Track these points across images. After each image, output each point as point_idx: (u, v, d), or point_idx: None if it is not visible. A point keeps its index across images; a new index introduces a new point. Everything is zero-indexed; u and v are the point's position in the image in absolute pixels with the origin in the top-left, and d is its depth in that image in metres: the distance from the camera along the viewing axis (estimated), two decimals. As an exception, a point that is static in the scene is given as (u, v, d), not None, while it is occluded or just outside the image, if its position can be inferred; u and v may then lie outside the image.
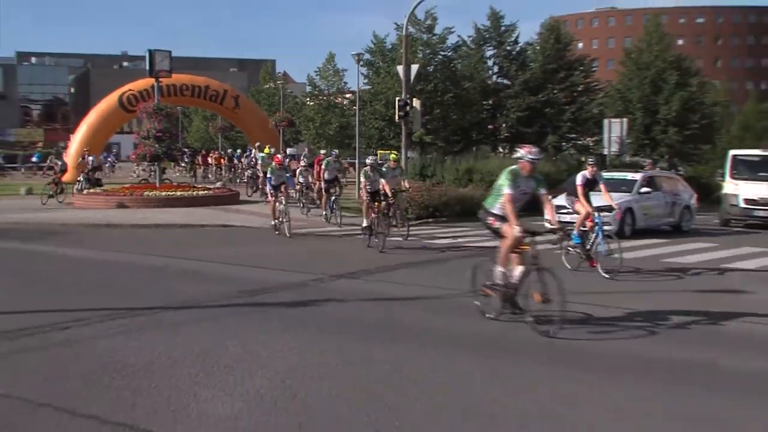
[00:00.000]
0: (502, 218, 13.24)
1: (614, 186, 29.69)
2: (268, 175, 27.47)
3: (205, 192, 39.30)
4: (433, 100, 55.17)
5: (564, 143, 64.45)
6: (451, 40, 62.44)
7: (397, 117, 36.17)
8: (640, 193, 29.17)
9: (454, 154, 51.80)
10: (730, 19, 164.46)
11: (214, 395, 8.96)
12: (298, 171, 33.65)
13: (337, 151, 34.91)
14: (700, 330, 13.43)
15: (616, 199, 27.98)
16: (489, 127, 63.52)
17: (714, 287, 17.42)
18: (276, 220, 26.66)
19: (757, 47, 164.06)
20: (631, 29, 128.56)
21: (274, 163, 28.03)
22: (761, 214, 34.08)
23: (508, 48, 64.82)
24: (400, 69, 37.32)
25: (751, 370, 10.88)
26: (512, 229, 12.67)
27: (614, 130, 46.88)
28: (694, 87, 65.93)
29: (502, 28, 64.67)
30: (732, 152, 38.93)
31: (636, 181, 30.32)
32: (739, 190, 35.14)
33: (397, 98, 36.21)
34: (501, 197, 13.28)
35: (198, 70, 74.69)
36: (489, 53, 65.15)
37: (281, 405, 8.72)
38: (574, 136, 64.86)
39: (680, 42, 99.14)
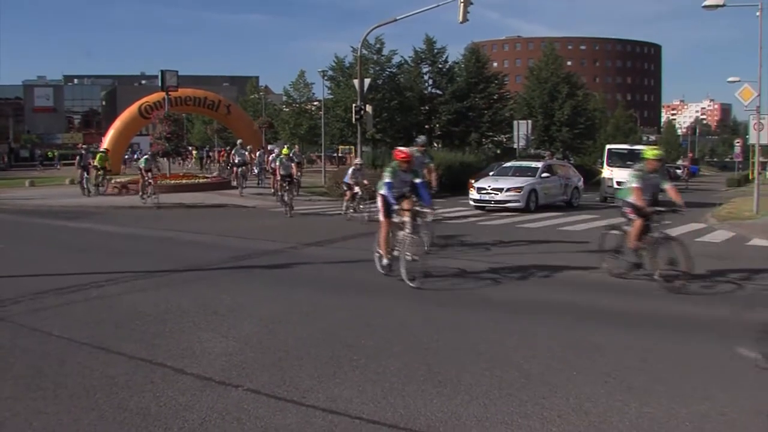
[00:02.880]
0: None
1: (522, 172, 30.02)
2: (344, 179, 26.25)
3: (205, 180, 39.48)
4: (382, 106, 55.33)
5: (484, 139, 64.80)
6: (396, 59, 62.96)
7: (353, 119, 36.10)
8: (541, 178, 29.38)
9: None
10: (604, 47, 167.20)
11: (213, 337, 8.95)
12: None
13: (287, 145, 33.80)
14: (583, 278, 13.64)
15: (524, 182, 28.33)
16: (426, 127, 63.59)
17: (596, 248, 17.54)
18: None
19: (624, 69, 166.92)
20: (532, 52, 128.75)
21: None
22: None
23: (440, 65, 65.05)
24: (356, 82, 37.18)
25: (621, 309, 11.05)
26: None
27: (521, 129, 47.12)
28: (580, 97, 66.94)
29: (435, 50, 64.91)
30: (608, 146, 39.59)
31: (538, 168, 30.54)
32: (613, 174, 35.58)
33: (354, 105, 36.09)
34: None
35: (198, 84, 74.05)
36: (425, 69, 65.37)
37: (265, 344, 8.72)
38: (491, 134, 65.25)
39: (569, 63, 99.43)
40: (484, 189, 28.34)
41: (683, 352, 8.70)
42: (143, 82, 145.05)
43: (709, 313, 10.97)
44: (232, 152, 36.50)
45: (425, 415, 6.47)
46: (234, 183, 35.07)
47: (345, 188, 25.55)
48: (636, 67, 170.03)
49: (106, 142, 53.41)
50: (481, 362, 8.08)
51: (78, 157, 37.36)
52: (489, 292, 12.31)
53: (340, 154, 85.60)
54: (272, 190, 31.75)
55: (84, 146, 42.67)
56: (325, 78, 61.34)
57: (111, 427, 6.18)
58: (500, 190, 27.96)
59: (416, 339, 9.09)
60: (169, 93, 40.57)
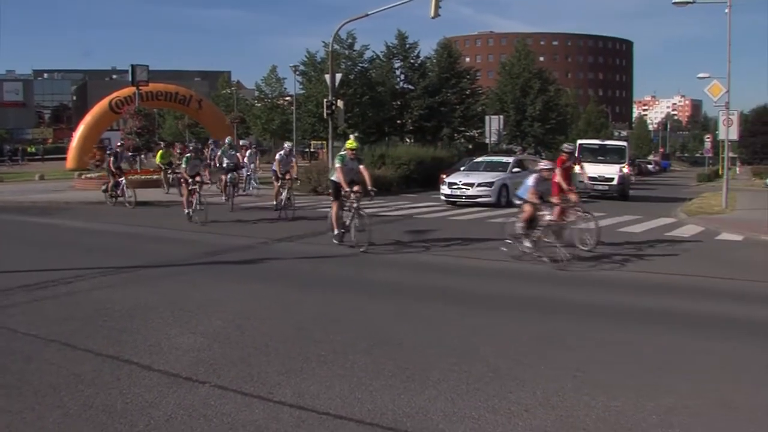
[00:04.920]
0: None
1: (493, 167, 30.10)
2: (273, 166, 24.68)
3: (174, 175, 38.93)
4: (354, 101, 55.32)
5: (456, 134, 64.95)
6: (368, 54, 63.02)
7: (325, 114, 36.04)
8: (512, 173, 29.45)
9: (371, 143, 51.89)
10: (576, 42, 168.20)
11: (181, 333, 8.91)
12: (247, 157, 31.31)
13: (229, 138, 29.64)
14: (553, 273, 13.73)
15: (495, 177, 28.40)
16: (397, 121, 63.67)
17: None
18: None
19: (595, 64, 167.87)
20: (505, 48, 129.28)
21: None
22: (599, 187, 34.89)
23: (412, 61, 65.11)
24: (327, 77, 37.14)
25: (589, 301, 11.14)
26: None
27: (493, 124, 47.21)
28: (552, 92, 67.34)
29: (407, 45, 64.94)
30: (579, 141, 39.71)
31: (509, 163, 30.66)
32: (584, 169, 35.71)
33: (325, 100, 36.04)
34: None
35: (170, 79, 73.41)
36: (397, 65, 65.43)
37: (233, 340, 8.69)
38: (463, 129, 65.40)
39: (541, 58, 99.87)
40: (455, 184, 28.39)
41: (650, 345, 8.79)
42: (114, 76, 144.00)
43: (670, 305, 11.09)
44: (218, 153, 28.21)
45: (392, 410, 6.48)
46: (223, 198, 26.26)
47: (273, 178, 24.05)
48: (608, 63, 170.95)
49: (76, 136, 53.06)
50: (449, 357, 8.11)
51: (112, 158, 27.93)
52: (457, 286, 12.37)
53: (312, 149, 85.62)
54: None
55: (120, 143, 32.31)
56: (297, 73, 61.36)
57: (76, 424, 6.13)
58: (471, 185, 28.01)
59: (385, 334, 9.10)
60: (140, 88, 40.35)
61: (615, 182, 35.78)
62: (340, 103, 35.80)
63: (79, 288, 11.61)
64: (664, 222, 23.70)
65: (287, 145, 24.34)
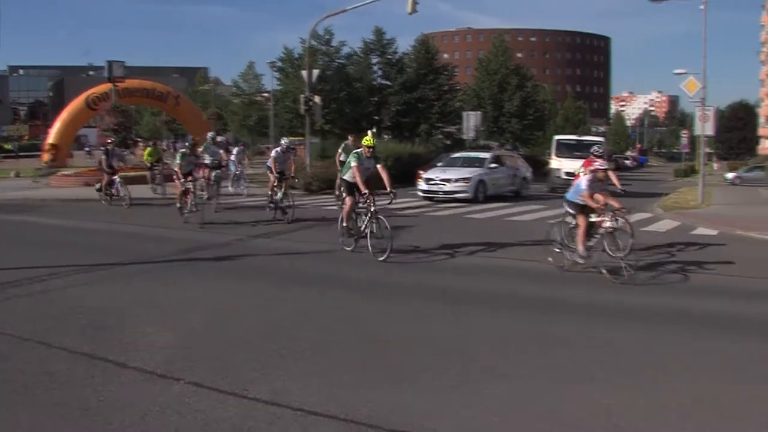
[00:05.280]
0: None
1: (470, 162, 30.17)
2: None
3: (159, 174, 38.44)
4: (331, 97, 55.22)
5: (434, 131, 64.99)
6: (345, 50, 62.96)
7: (302, 111, 35.98)
8: (490, 168, 29.56)
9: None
10: (554, 39, 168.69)
11: (157, 330, 8.88)
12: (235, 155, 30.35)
13: (211, 133, 27.80)
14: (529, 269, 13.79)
15: (472, 173, 28.46)
16: (375, 118, 63.66)
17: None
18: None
19: (573, 60, 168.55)
20: (482, 44, 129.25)
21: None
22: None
23: (389, 57, 65.06)
24: (304, 73, 36.99)
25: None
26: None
27: (471, 120, 47.20)
28: (529, 88, 67.45)
29: (385, 41, 64.91)
30: (556, 137, 40.02)
31: (486, 158, 30.76)
32: (561, 165, 35.97)
33: (302, 96, 35.98)
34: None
35: (147, 75, 73.05)
36: (374, 61, 65.32)
37: (209, 337, 8.69)
38: (441, 125, 65.44)
39: (519, 54, 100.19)
40: (433, 180, 28.44)
41: (643, 343, 8.88)
42: (91, 73, 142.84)
43: (660, 303, 11.16)
44: (200, 149, 24.41)
45: (367, 406, 6.49)
46: (205, 195, 23.30)
47: (269, 174, 21.65)
48: (586, 59, 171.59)
49: (52, 133, 52.70)
50: (432, 354, 8.16)
51: (104, 156, 26.35)
52: (439, 283, 12.38)
53: (291, 146, 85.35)
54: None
55: (110, 141, 28.90)
56: (275, 69, 61.22)
57: (50, 423, 6.11)
58: (448, 180, 28.05)
59: (362, 331, 9.13)
60: (117, 84, 40.15)
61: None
62: (317, 99, 35.74)
63: (54, 286, 11.53)
64: (640, 217, 23.80)
65: (284, 141, 22.61)
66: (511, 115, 64.64)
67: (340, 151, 25.35)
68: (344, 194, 15.95)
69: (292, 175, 22.00)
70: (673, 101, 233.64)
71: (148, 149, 31.93)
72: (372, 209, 14.97)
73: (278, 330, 9.06)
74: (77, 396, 6.64)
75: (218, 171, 24.66)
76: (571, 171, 35.93)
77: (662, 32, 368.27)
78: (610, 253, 13.27)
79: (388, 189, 14.89)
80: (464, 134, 48.81)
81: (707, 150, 43.36)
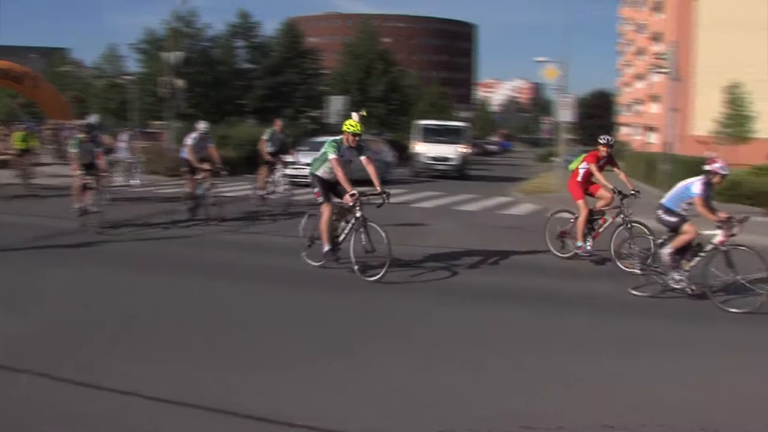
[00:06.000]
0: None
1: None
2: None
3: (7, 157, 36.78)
4: (195, 81, 54.34)
5: (298, 115, 64.86)
6: (210, 33, 62.22)
7: (165, 94, 35.39)
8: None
9: (213, 124, 51.19)
10: (421, 25, 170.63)
11: (11, 320, 8.56)
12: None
13: (94, 116, 24.42)
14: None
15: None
16: (240, 102, 63.08)
17: (405, 221, 17.77)
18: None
19: (439, 47, 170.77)
20: (350, 29, 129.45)
21: None
22: (439, 167, 35.83)
23: (255, 40, 64.59)
24: (167, 56, 36.45)
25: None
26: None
27: (336, 104, 47.25)
28: (395, 73, 67.98)
29: (249, 24, 64.41)
30: (419, 122, 40.57)
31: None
32: (424, 150, 36.55)
33: (163, 79, 35.40)
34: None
35: (2, 55, 70.57)
36: (239, 44, 64.74)
37: (61, 327, 8.41)
38: (306, 109, 65.35)
39: (388, 40, 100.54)
40: (297, 165, 28.32)
41: (497, 320, 9.15)
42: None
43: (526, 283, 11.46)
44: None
45: (224, 391, 6.49)
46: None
47: (186, 168, 18.49)
48: (451, 46, 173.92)
49: None
50: (292, 339, 8.25)
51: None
52: (302, 267, 12.39)
53: (153, 130, 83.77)
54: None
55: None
56: (137, 52, 59.95)
57: None
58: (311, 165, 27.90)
59: (219, 316, 9.09)
60: (-35, 64, 38.58)
61: (454, 162, 36.80)
62: (180, 82, 35.18)
63: None
64: (500, 201, 24.41)
65: (202, 125, 18.81)
66: (377, 100, 65.06)
67: (265, 138, 22.01)
68: (320, 200, 12.16)
69: (219, 165, 18.31)
70: (538, 88, 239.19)
71: (20, 134, 26.80)
72: (358, 215, 11.76)
73: (134, 317, 8.90)
74: None
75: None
76: (434, 155, 36.81)
77: (529, 20, 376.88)
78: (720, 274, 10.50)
79: (378, 188, 11.84)
80: (329, 118, 48.87)
81: (569, 136, 44.62)
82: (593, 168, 13.90)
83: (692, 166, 29.79)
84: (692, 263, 10.68)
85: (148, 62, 59.17)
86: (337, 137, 12.05)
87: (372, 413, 6.19)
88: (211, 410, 6.10)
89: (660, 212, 10.98)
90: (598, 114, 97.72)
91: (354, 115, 12.45)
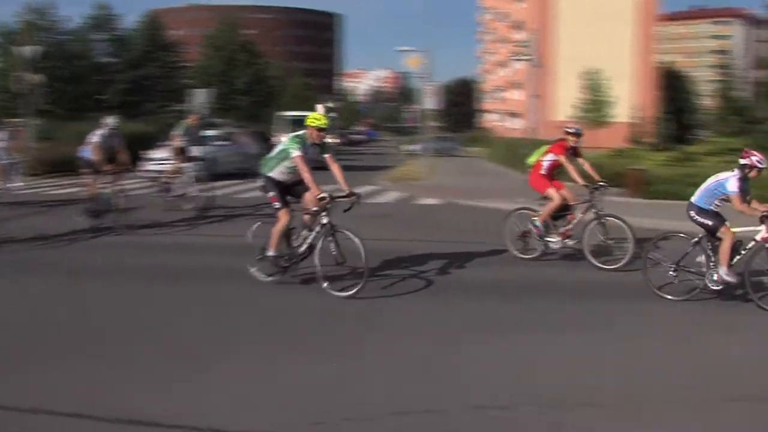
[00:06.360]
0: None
1: (202, 141, 29.77)
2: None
3: None
4: (52, 76, 52.75)
5: (160, 109, 63.80)
6: (68, 26, 60.70)
7: (17, 89, 34.27)
8: (219, 146, 29.45)
9: (72, 120, 49.81)
10: (285, 16, 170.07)
11: None
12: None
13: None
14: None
15: (204, 151, 28.09)
16: (100, 97, 61.61)
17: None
18: None
19: (304, 37, 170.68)
20: (214, 20, 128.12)
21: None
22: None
23: (115, 33, 63.26)
24: (22, 50, 35.29)
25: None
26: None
27: (200, 98, 46.68)
28: (260, 65, 67.68)
29: (109, 16, 63.02)
30: (280, 113, 40.57)
31: (217, 136, 30.69)
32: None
33: (20, 74, 34.27)
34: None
35: None
36: (98, 37, 63.22)
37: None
38: (168, 103, 64.34)
39: (252, 31, 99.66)
40: (155, 160, 27.89)
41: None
42: None
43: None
44: None
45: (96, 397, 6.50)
46: None
47: (89, 169, 16.43)
48: (316, 36, 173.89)
49: None
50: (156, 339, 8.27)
51: None
52: (196, 264, 12.23)
53: (12, 128, 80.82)
54: None
55: None
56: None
57: None
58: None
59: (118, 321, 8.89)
60: None
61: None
62: (36, 77, 34.11)
63: None
64: (367, 189, 24.58)
65: (111, 121, 16.89)
66: (241, 92, 64.65)
67: (179, 133, 19.78)
68: (276, 206, 10.62)
69: (128, 165, 16.93)
70: (403, 77, 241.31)
71: None
72: (325, 221, 10.22)
73: (28, 326, 8.58)
74: None
75: None
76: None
77: (394, 9, 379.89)
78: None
79: (346, 190, 10.42)
80: (193, 112, 48.20)
81: (435, 124, 45.36)
82: (563, 159, 12.81)
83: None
84: (732, 262, 9.89)
85: (1, 57, 57.16)
86: (299, 132, 10.51)
87: (250, 412, 6.19)
88: (92, 418, 5.97)
89: (692, 213, 10.07)
90: (462, 101, 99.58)
91: (319, 107, 11.24)
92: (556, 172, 13.09)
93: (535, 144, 28.32)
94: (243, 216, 17.34)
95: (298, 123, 37.26)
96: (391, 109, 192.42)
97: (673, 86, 69.86)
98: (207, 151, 28.29)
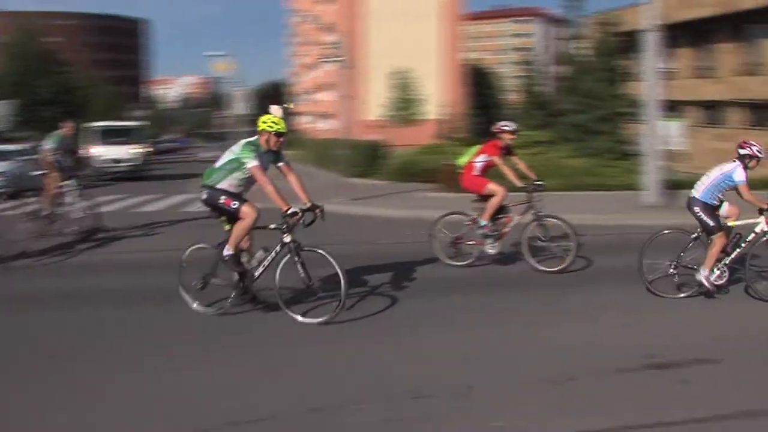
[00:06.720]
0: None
1: (4, 156, 28.67)
2: None
3: None
4: None
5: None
6: None
7: None
8: (24, 161, 28.49)
9: None
10: (89, 22, 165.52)
11: None
12: None
13: None
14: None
15: (5, 167, 27.06)
16: None
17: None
18: None
19: (111, 44, 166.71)
20: (12, 28, 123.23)
21: None
22: (116, 169, 35.63)
23: None
24: None
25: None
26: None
27: (1, 110, 44.80)
28: (68, 73, 65.84)
29: None
30: (92, 124, 39.61)
31: (19, 151, 29.73)
32: (100, 152, 35.73)
33: None
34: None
35: None
36: None
37: None
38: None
39: (57, 39, 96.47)
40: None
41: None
42: None
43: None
44: None
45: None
46: None
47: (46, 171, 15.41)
48: (120, 43, 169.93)
49: None
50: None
51: None
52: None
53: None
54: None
55: None
56: None
57: None
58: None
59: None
60: None
61: (132, 163, 36.52)
62: None
63: None
64: (182, 198, 24.33)
65: (69, 124, 15.70)
66: (47, 103, 62.44)
67: (51, 146, 16.17)
68: (234, 206, 9.15)
69: (86, 172, 15.43)
70: (214, 82, 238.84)
71: None
72: (287, 240, 9.05)
73: None
74: None
75: None
76: (109, 157, 36.04)
77: (201, 14, 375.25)
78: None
79: (308, 203, 9.12)
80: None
81: (245, 129, 45.45)
82: (497, 160, 12.07)
83: (365, 149, 31.68)
84: (733, 256, 9.92)
85: None
86: (251, 138, 9.25)
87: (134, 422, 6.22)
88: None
89: (696, 209, 9.91)
90: (274, 104, 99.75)
91: (274, 108, 9.68)
92: (487, 174, 12.30)
93: (349, 144, 28.76)
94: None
95: (110, 133, 36.85)
96: (203, 114, 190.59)
97: (480, 83, 72.10)
98: (9, 166, 27.37)
